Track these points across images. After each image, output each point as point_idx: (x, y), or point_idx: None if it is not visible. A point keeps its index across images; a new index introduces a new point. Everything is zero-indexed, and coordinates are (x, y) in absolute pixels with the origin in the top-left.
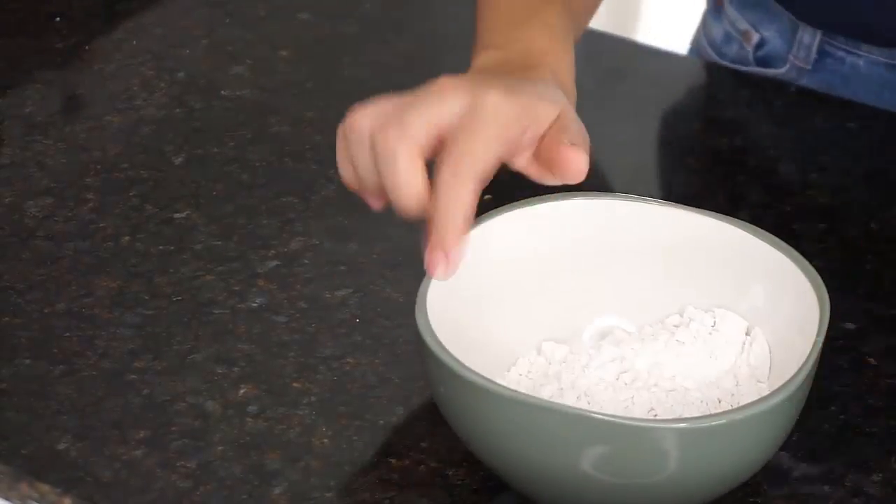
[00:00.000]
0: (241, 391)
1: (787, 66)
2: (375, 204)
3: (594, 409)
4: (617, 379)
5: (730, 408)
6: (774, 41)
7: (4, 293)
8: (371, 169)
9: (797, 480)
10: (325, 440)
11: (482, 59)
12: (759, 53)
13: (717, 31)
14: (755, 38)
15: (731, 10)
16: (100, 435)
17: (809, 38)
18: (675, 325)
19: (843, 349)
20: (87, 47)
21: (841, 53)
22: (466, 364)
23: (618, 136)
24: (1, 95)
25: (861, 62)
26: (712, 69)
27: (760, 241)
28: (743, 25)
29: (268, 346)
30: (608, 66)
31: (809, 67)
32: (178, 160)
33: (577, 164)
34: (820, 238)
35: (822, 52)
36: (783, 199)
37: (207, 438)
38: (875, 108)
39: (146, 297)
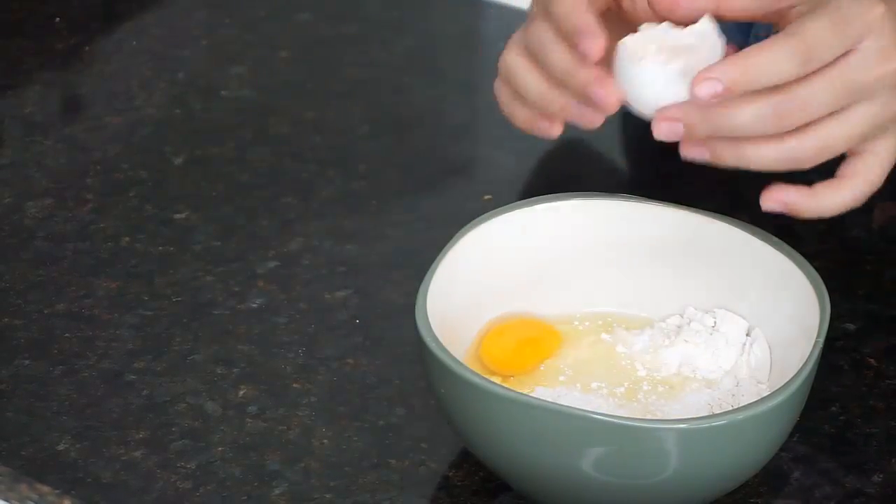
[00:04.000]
0: (241, 392)
1: None
2: (554, 128)
3: (594, 409)
4: None
5: (730, 408)
6: None
7: (4, 293)
8: (540, 79)
9: (797, 481)
10: (325, 441)
11: None
12: None
13: None
14: None
15: None
16: (100, 435)
17: None
18: (675, 326)
19: (843, 350)
20: (87, 48)
21: None
22: (466, 364)
23: (617, 136)
24: (1, 96)
25: None
26: None
27: (760, 241)
28: None
29: (267, 347)
30: None
31: None
32: (177, 161)
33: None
34: (820, 238)
35: None
36: None
37: (207, 439)
38: None
39: (146, 298)
